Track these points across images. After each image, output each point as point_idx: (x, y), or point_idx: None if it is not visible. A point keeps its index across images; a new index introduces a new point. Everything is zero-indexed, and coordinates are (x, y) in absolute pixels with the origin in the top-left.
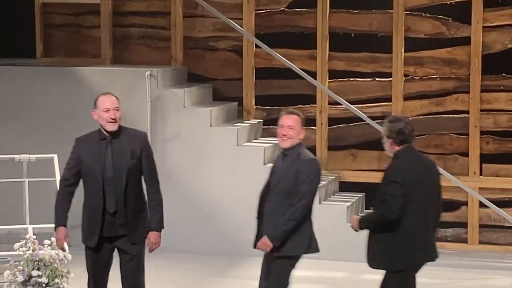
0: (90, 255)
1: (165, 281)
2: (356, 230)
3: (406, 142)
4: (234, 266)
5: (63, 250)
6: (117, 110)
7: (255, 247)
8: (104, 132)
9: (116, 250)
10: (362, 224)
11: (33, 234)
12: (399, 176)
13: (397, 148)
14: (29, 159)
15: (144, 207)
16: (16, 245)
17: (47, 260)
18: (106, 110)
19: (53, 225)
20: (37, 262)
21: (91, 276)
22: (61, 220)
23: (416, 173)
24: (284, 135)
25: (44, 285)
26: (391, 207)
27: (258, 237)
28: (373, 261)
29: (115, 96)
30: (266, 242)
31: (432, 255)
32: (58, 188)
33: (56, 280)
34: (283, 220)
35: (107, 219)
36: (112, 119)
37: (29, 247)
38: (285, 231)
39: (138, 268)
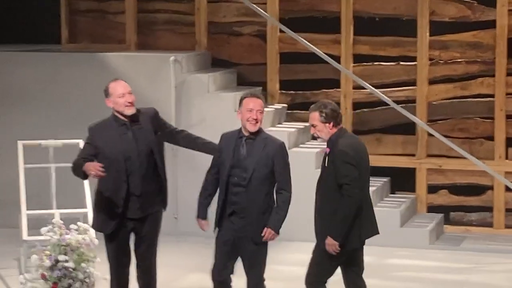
0: (109, 241)
1: (192, 265)
2: (336, 249)
3: (341, 122)
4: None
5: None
6: (130, 93)
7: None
8: (122, 118)
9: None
10: (337, 237)
11: (60, 219)
12: (350, 157)
13: (335, 130)
14: (55, 144)
15: (163, 185)
16: (43, 230)
17: (74, 245)
18: (121, 96)
19: (79, 210)
20: (64, 247)
21: (113, 262)
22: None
23: (361, 152)
24: (255, 119)
25: (71, 269)
26: (355, 191)
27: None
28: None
29: (124, 81)
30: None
31: (377, 229)
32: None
33: (83, 265)
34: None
35: (132, 201)
36: (129, 102)
37: (56, 232)
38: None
39: (152, 250)
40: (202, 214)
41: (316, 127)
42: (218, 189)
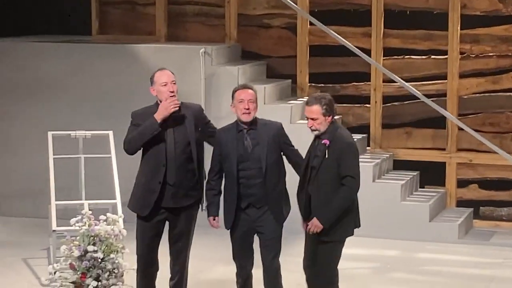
0: (141, 224)
1: (218, 257)
2: (319, 231)
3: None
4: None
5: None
6: (174, 83)
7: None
8: None
9: (167, 223)
10: (325, 222)
11: (89, 210)
12: (357, 150)
13: (331, 120)
14: (85, 135)
15: (199, 181)
16: (72, 221)
17: (103, 236)
18: (164, 84)
19: (108, 201)
20: (92, 237)
21: (140, 244)
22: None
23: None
24: (247, 109)
25: (99, 260)
26: (357, 186)
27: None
28: (328, 234)
29: (171, 72)
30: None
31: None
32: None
33: (112, 255)
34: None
35: (167, 190)
36: (171, 92)
37: (85, 222)
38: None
39: (186, 247)
40: (214, 211)
41: (317, 120)
42: (224, 185)
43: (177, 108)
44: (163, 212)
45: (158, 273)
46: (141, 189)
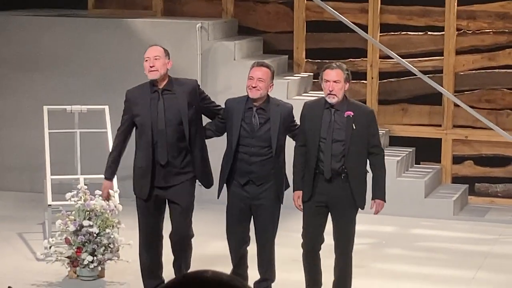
0: (141, 205)
1: (216, 233)
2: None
3: None
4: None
5: (106, 199)
6: (156, 59)
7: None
8: (155, 84)
9: (167, 201)
10: (384, 195)
11: (84, 184)
12: (375, 114)
13: (347, 88)
14: (81, 110)
15: (194, 158)
16: (68, 195)
17: (98, 210)
18: (146, 60)
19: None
20: (88, 212)
21: (142, 226)
22: (109, 173)
23: None
24: (254, 87)
25: (95, 234)
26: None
27: None
28: (362, 202)
29: (161, 48)
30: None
31: None
32: (114, 139)
33: (107, 230)
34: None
35: (158, 170)
36: (151, 67)
37: (81, 197)
38: None
39: (185, 219)
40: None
41: (339, 84)
42: (224, 154)
43: None
44: (158, 190)
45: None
46: (136, 172)
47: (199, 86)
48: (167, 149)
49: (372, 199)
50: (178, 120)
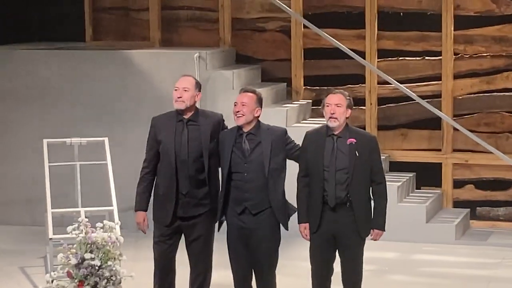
0: (157, 234)
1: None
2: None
3: None
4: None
5: (144, 232)
6: (186, 90)
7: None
8: (181, 114)
9: (183, 235)
10: (383, 224)
11: (86, 217)
12: (377, 141)
13: (349, 115)
14: (80, 142)
15: (212, 191)
16: (69, 228)
17: (100, 243)
18: (176, 89)
19: (105, 208)
20: (89, 245)
21: (156, 255)
22: (141, 204)
23: None
24: (238, 112)
25: (97, 267)
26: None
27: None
28: (366, 232)
29: (194, 79)
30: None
31: None
32: (141, 171)
33: (109, 263)
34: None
35: (180, 200)
36: (179, 97)
37: (82, 230)
38: None
39: (206, 247)
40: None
41: (341, 108)
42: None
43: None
44: (177, 220)
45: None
46: (157, 199)
47: (223, 121)
48: (189, 180)
49: (371, 228)
50: (200, 152)
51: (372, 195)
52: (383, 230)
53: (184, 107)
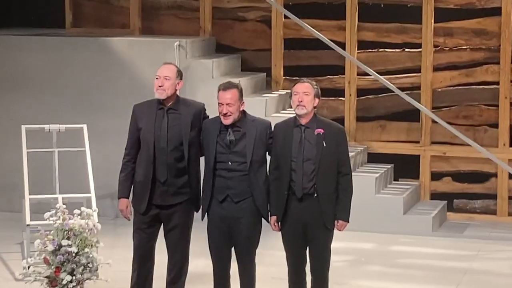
0: (137, 221)
1: (197, 251)
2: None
3: None
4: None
5: (128, 219)
6: (167, 79)
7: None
8: (162, 102)
9: (163, 224)
10: (347, 215)
11: (63, 204)
12: (345, 132)
13: (317, 104)
14: (59, 129)
15: (191, 180)
16: (46, 215)
17: (77, 230)
18: (157, 78)
19: (83, 195)
20: (67, 232)
21: (136, 243)
22: (123, 192)
23: None
24: (225, 114)
25: (74, 254)
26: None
27: None
28: (331, 224)
29: (175, 67)
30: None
31: None
32: (123, 158)
33: (86, 250)
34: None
35: (158, 188)
36: (159, 86)
37: (59, 216)
38: None
39: (183, 236)
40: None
41: (308, 96)
42: (203, 175)
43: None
44: (155, 209)
45: (156, 270)
46: (136, 186)
47: (204, 110)
48: (167, 168)
49: (335, 219)
50: (180, 140)
51: (338, 186)
52: (347, 221)
53: (165, 96)
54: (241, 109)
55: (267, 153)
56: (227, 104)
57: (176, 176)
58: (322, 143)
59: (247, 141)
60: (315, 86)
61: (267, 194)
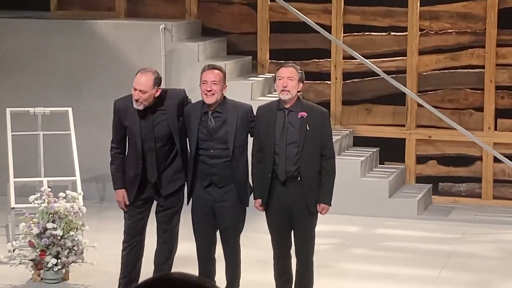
0: (128, 209)
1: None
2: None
3: None
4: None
5: (124, 210)
6: (142, 92)
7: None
8: None
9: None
10: (329, 199)
11: (48, 187)
12: (329, 115)
13: (301, 89)
14: (44, 112)
15: (184, 166)
16: (31, 198)
17: (62, 213)
18: (133, 89)
19: (68, 178)
20: (52, 215)
21: (126, 223)
22: (118, 183)
23: None
24: (209, 91)
25: (59, 237)
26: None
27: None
28: (313, 207)
29: (151, 75)
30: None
31: None
32: (110, 150)
33: (71, 233)
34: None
35: (148, 185)
36: (136, 100)
37: (44, 199)
38: None
39: (173, 219)
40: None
41: (293, 81)
42: (188, 161)
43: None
44: (147, 193)
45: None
46: (126, 178)
47: (187, 97)
48: (157, 166)
49: (317, 202)
50: (168, 135)
51: (321, 170)
52: (329, 204)
53: (141, 107)
54: (223, 92)
55: (249, 135)
56: (212, 82)
57: (167, 169)
58: (306, 127)
59: (228, 127)
60: (300, 71)
61: (247, 180)
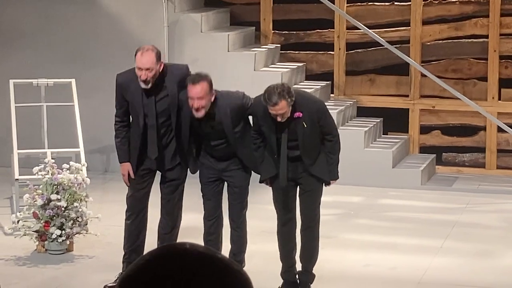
0: (132, 181)
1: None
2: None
3: None
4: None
5: (128, 185)
6: (148, 70)
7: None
8: None
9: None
10: (336, 173)
11: (52, 158)
12: (323, 104)
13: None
14: (47, 83)
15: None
16: (35, 169)
17: (66, 184)
18: (139, 69)
19: (72, 150)
20: (56, 186)
21: (129, 193)
22: (123, 157)
23: None
24: (197, 109)
25: (63, 208)
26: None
27: None
28: (327, 178)
29: (154, 54)
30: None
31: None
32: (114, 124)
33: (75, 204)
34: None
35: (149, 160)
36: (143, 80)
37: (48, 171)
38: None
39: (178, 189)
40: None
41: (286, 112)
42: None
43: None
44: (151, 164)
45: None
46: (131, 150)
47: (189, 73)
48: (158, 142)
49: (324, 180)
50: (169, 112)
51: (325, 150)
52: (337, 178)
53: (149, 86)
54: (212, 100)
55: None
56: (197, 98)
57: (168, 145)
58: (303, 124)
59: (224, 126)
60: (289, 99)
61: (251, 153)
